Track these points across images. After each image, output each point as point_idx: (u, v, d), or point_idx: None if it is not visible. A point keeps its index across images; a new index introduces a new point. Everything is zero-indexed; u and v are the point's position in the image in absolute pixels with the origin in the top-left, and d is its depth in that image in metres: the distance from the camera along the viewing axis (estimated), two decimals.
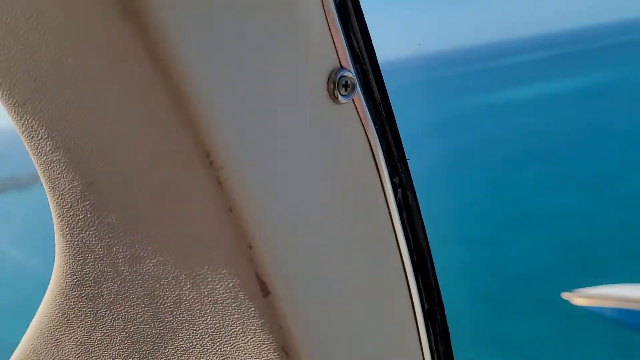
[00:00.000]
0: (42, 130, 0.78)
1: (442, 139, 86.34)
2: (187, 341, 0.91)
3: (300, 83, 0.96)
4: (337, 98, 1.02)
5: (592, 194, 47.12)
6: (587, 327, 20.61)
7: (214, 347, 0.90)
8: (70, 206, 0.89)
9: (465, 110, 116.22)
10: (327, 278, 1.07)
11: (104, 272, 0.89)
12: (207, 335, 0.88)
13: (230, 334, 0.89)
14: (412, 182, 1.52)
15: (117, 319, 0.92)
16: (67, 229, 0.94)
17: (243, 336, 0.89)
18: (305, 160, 1.01)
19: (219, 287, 0.87)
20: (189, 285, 0.89)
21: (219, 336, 0.89)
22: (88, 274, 0.90)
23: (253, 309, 0.89)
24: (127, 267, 0.92)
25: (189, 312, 0.92)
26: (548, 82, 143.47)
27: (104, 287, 0.90)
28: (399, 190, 1.40)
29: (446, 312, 1.53)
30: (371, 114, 1.15)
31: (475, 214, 48.74)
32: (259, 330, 0.89)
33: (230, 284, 0.87)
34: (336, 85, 0.99)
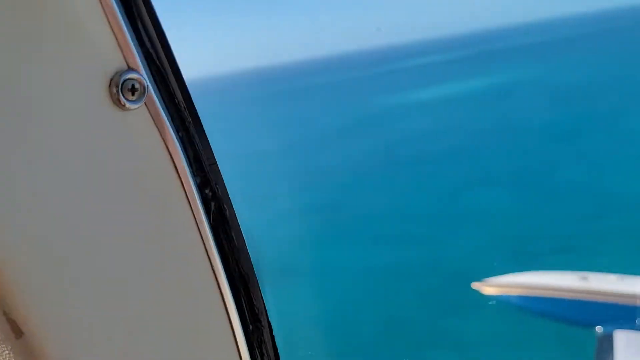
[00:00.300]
0: None
1: (360, 139, 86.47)
2: None
3: (71, 89, 0.83)
4: (123, 104, 0.87)
5: (516, 190, 48.36)
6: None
7: None
8: None
9: (377, 111, 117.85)
10: (109, 316, 0.90)
11: None
12: None
13: None
14: (227, 193, 1.31)
15: None
16: None
17: None
18: (78, 177, 0.85)
19: None
20: None
21: None
22: None
23: (7, 352, 0.78)
24: None
25: None
26: (454, 83, 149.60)
27: None
28: (213, 203, 1.21)
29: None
30: (172, 120, 1.00)
31: (406, 213, 48.48)
32: None
33: None
34: (120, 89, 0.85)
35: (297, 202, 56.72)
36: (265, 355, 1.24)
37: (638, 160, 50.48)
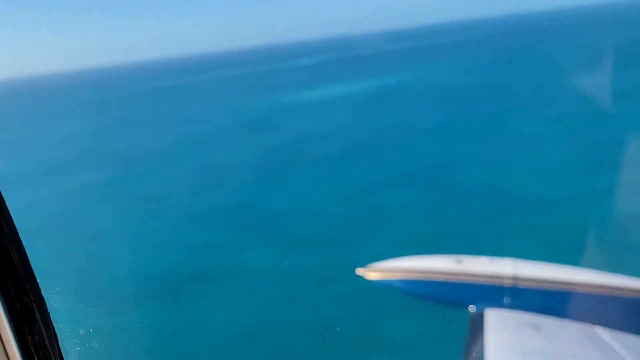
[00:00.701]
0: None
1: (255, 139, 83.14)
2: None
3: None
4: None
5: (426, 189, 48.23)
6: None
7: None
8: None
9: (268, 111, 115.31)
10: None
11: None
12: None
13: None
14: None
15: None
16: None
17: None
18: None
19: None
20: None
21: None
22: None
23: None
24: None
25: None
26: (345, 83, 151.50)
27: None
28: None
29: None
30: None
31: (312, 214, 46.40)
32: None
33: None
34: None
35: (201, 205, 52.52)
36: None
37: (528, 160, 53.16)
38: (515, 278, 9.26)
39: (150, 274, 37.96)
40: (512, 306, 8.94)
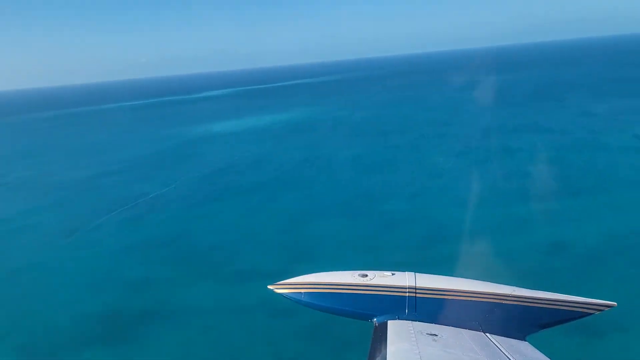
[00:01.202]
0: None
1: (174, 169, 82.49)
2: None
3: None
4: None
5: (357, 219, 51.26)
6: None
7: None
8: None
9: (183, 141, 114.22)
10: None
11: None
12: None
13: None
14: None
15: None
16: None
17: None
18: None
19: None
20: None
21: None
22: None
23: None
24: None
25: None
26: (253, 116, 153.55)
27: None
28: None
29: None
30: None
31: (253, 245, 47.47)
32: None
33: None
34: None
35: (130, 238, 51.07)
36: None
37: (448, 190, 58.09)
38: (415, 290, 10.05)
39: (88, 315, 36.33)
40: (413, 317, 9.64)
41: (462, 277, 10.47)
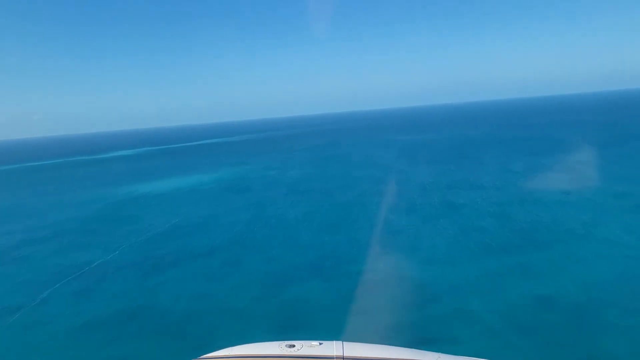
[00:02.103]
0: None
1: (113, 234, 77.38)
2: None
3: None
4: None
5: (332, 281, 50.30)
6: None
7: None
8: None
9: (112, 203, 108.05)
10: None
11: None
12: None
13: None
14: None
15: None
16: None
17: None
18: None
19: None
20: None
21: None
22: None
23: None
24: None
25: None
26: (177, 176, 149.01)
27: None
28: None
29: None
30: None
31: (227, 313, 44.77)
32: None
33: None
34: None
35: (91, 312, 45.85)
36: None
37: (415, 248, 58.94)
38: (343, 358, 10.13)
39: None
40: None
41: (391, 344, 10.70)
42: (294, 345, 10.52)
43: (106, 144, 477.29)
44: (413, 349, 10.40)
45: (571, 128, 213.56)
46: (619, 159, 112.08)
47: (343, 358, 10.04)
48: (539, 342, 35.15)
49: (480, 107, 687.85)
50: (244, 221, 78.73)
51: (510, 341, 35.79)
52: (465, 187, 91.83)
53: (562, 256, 51.29)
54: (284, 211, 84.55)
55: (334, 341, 10.54)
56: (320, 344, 10.51)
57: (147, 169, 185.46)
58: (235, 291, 49.49)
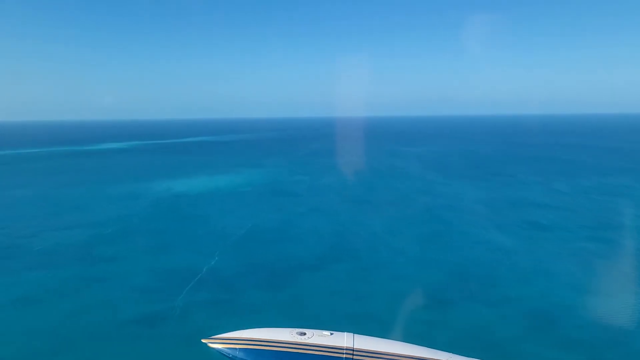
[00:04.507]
0: None
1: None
2: None
3: None
4: None
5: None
6: None
7: None
8: None
9: (157, 200, 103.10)
10: None
11: None
12: None
13: None
14: None
15: None
16: None
17: None
18: None
19: None
20: None
21: None
22: None
23: None
24: None
25: None
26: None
27: None
28: None
29: None
30: None
31: None
32: None
33: None
34: None
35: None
36: None
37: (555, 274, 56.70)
38: (353, 351, 10.11)
39: None
40: None
41: (400, 340, 10.68)
42: (304, 333, 10.55)
43: (96, 134, 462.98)
44: (423, 347, 10.38)
45: (575, 150, 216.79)
46: None
47: (353, 350, 10.09)
48: None
49: (449, 121, 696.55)
50: (327, 230, 75.35)
51: None
52: (535, 206, 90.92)
53: None
54: (357, 220, 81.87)
55: (345, 333, 10.57)
56: (331, 334, 10.54)
57: (161, 164, 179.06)
58: (391, 313, 46.01)
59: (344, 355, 9.97)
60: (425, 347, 10.33)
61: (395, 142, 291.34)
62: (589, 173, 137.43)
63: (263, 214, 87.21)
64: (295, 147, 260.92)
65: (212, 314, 45.08)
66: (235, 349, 10.49)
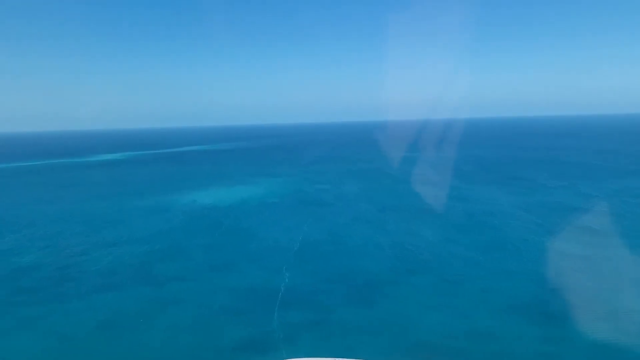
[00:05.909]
0: None
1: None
2: None
3: None
4: None
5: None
6: None
7: None
8: None
9: (192, 212, 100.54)
10: None
11: None
12: None
13: None
14: None
15: None
16: None
17: None
18: None
19: None
20: None
21: None
22: None
23: None
24: None
25: None
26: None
27: None
28: None
29: None
30: None
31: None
32: None
33: None
34: None
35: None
36: None
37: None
38: None
39: None
40: None
41: None
42: None
43: (84, 145, 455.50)
44: None
45: (578, 152, 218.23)
46: None
47: None
48: None
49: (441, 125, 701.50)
50: (381, 240, 73.67)
51: None
52: (576, 211, 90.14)
53: None
54: (405, 229, 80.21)
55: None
56: None
57: (170, 175, 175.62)
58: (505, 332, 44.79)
59: None
60: None
61: (395, 147, 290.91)
62: (606, 176, 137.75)
63: (306, 226, 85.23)
64: (297, 154, 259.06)
65: (318, 336, 43.17)
66: None
